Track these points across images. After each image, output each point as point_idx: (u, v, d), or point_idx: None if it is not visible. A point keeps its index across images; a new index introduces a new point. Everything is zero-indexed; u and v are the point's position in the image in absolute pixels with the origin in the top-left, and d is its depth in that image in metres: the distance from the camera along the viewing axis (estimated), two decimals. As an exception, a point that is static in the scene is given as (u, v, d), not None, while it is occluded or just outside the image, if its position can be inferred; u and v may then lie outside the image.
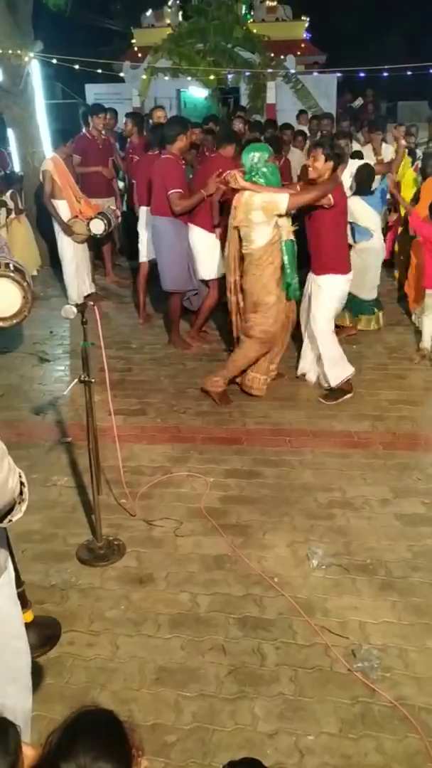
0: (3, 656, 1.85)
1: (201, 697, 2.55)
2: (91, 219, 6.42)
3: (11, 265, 2.66)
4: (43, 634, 2.76)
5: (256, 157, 4.62)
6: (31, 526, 3.51)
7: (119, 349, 5.99)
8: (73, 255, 6.96)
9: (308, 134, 9.22)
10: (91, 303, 3.04)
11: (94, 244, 7.47)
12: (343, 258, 4.92)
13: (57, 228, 6.93)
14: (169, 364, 5.71)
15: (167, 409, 4.91)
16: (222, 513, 3.65)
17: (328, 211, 4.65)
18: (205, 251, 5.92)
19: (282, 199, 4.48)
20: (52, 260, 8.53)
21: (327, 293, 4.89)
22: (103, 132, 7.95)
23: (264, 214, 4.53)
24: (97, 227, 6.29)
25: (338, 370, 4.91)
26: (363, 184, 5.93)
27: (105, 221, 6.20)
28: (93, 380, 3.16)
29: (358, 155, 7.06)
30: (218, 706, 2.52)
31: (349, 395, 4.93)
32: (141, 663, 2.71)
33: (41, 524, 3.58)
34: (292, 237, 4.73)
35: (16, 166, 8.96)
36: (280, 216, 4.57)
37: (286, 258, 4.70)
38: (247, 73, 11.89)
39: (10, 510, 1.65)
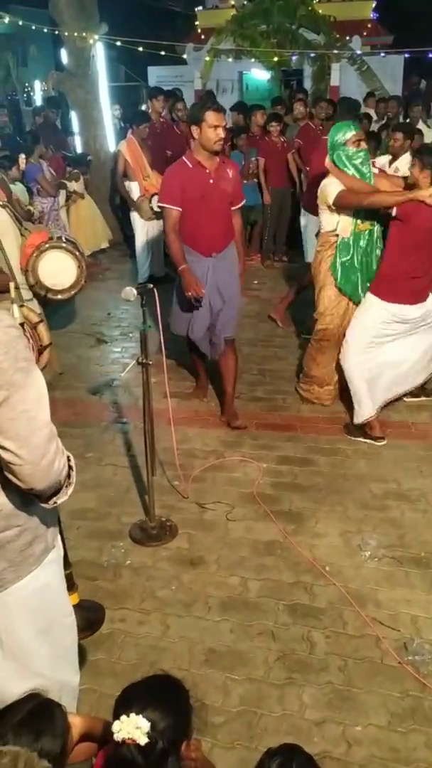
0: (52, 632, 1.88)
1: (249, 681, 2.56)
2: (153, 195, 6.50)
3: (63, 238, 2.72)
4: (87, 617, 2.79)
5: (338, 135, 4.11)
6: (86, 504, 3.57)
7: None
8: (143, 232, 7.04)
9: (374, 117, 9.02)
10: (150, 286, 3.05)
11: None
12: (396, 283, 3.95)
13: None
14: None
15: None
16: (274, 499, 3.64)
17: (397, 224, 3.90)
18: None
19: (331, 191, 4.09)
20: (113, 243, 8.65)
21: (365, 315, 4.13)
22: (163, 114, 7.97)
23: (320, 199, 4.28)
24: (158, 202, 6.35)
25: (360, 407, 4.20)
26: None
27: None
28: (150, 362, 3.18)
29: None
30: (266, 691, 2.52)
31: (370, 441, 4.17)
32: (190, 643, 2.73)
33: (96, 502, 3.64)
34: (357, 233, 4.21)
35: (79, 148, 9.07)
36: (330, 208, 4.16)
37: (340, 257, 4.25)
38: (311, 55, 11.68)
39: (57, 492, 1.67)
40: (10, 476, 1.55)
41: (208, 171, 3.95)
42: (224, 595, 2.99)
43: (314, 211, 5.46)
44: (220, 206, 4.04)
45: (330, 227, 4.27)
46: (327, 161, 4.21)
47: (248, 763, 2.23)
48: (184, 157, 4.05)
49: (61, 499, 1.69)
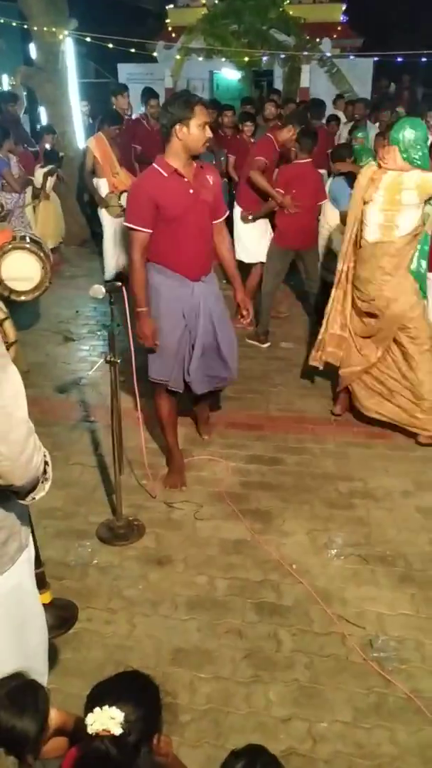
0: (24, 633, 1.86)
1: (216, 680, 2.57)
2: (122, 192, 6.50)
3: (27, 237, 2.68)
4: (60, 615, 2.78)
5: (414, 133, 3.74)
6: (53, 504, 3.54)
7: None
8: (113, 232, 7.01)
9: (343, 119, 9.10)
10: (119, 284, 3.04)
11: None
12: None
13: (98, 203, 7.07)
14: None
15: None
16: (242, 498, 3.65)
17: None
18: (251, 234, 5.94)
19: None
20: (81, 240, 8.58)
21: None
22: (128, 112, 8.00)
23: (418, 194, 3.73)
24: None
25: None
26: None
27: None
28: (118, 361, 3.17)
29: None
30: (233, 689, 2.53)
31: None
32: (157, 642, 2.73)
33: (63, 502, 3.61)
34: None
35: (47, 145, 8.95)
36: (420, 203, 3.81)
37: (425, 245, 4.06)
38: (282, 56, 11.74)
39: (33, 488, 1.66)
40: None
41: (186, 180, 3.31)
42: (191, 593, 2.99)
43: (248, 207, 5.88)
44: (204, 220, 3.44)
45: (417, 222, 3.85)
46: (401, 160, 3.78)
47: (215, 761, 2.23)
48: (155, 165, 3.33)
49: (39, 494, 1.68)
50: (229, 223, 4.37)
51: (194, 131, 3.21)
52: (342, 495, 3.69)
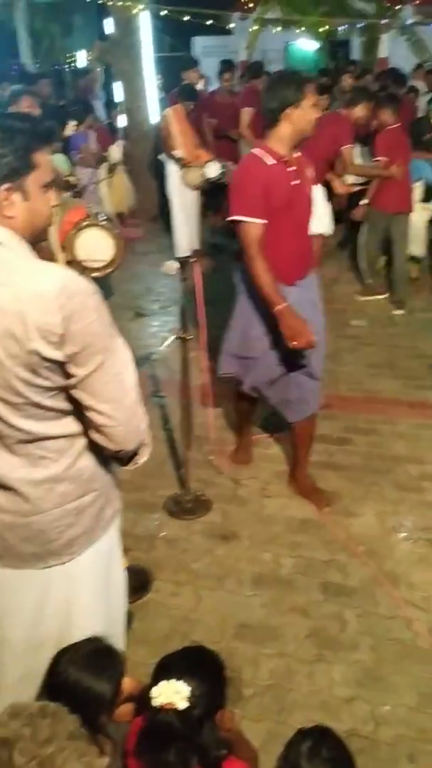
0: (110, 597, 1.91)
1: (279, 656, 2.58)
2: (207, 161, 6.46)
3: (100, 215, 2.71)
4: (137, 581, 2.85)
5: None
6: (122, 476, 3.56)
7: (215, 306, 5.99)
8: (181, 204, 6.99)
9: (422, 90, 8.77)
10: (193, 260, 3.04)
11: (212, 194, 7.47)
12: None
13: (170, 176, 7.00)
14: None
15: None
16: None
17: None
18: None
19: None
20: (154, 216, 8.62)
21: None
22: (201, 86, 7.95)
23: None
24: (212, 170, 6.32)
25: None
26: None
27: (221, 164, 6.23)
28: (190, 337, 3.18)
29: None
30: (296, 667, 2.54)
31: None
32: (222, 617, 2.76)
33: (132, 474, 3.60)
34: None
35: (123, 120, 9.01)
36: None
37: None
38: (360, 25, 11.37)
39: (135, 454, 1.71)
40: (99, 439, 1.59)
41: (291, 169, 2.96)
42: (257, 570, 3.01)
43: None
44: (305, 216, 3.10)
45: None
46: None
47: (276, 736, 2.26)
48: (257, 152, 2.96)
49: (141, 459, 1.73)
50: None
51: (308, 113, 2.92)
52: (412, 478, 3.61)
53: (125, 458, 1.70)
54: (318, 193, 6.02)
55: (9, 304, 1.40)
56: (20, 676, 1.82)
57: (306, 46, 12.97)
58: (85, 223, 2.36)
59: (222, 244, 7.92)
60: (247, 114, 7.55)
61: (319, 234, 5.89)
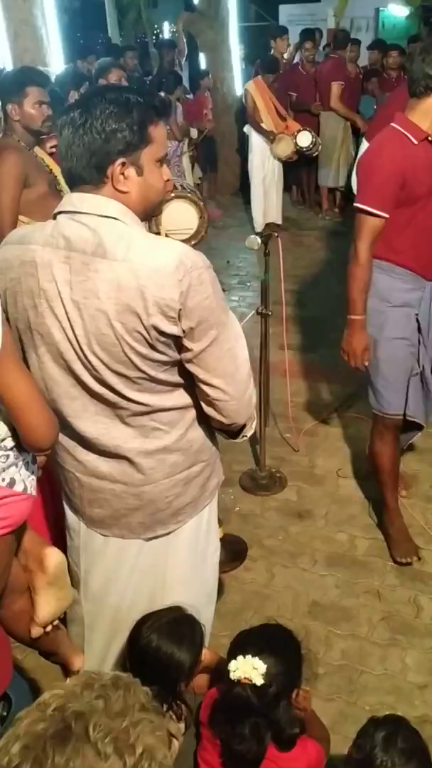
0: (204, 566, 1.94)
1: (352, 637, 2.56)
2: (299, 131, 6.37)
3: (186, 187, 2.71)
4: (233, 550, 2.89)
5: None
6: (198, 449, 3.64)
7: (294, 283, 5.92)
8: (262, 178, 6.92)
9: None
10: (276, 234, 3.00)
11: (293, 169, 7.37)
12: None
13: (251, 151, 6.92)
14: (344, 302, 5.54)
15: (338, 348, 4.79)
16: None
17: None
18: None
19: None
20: (234, 190, 8.57)
21: None
22: (286, 56, 7.74)
23: None
24: (305, 139, 6.25)
25: None
26: None
27: (313, 135, 6.14)
28: (270, 313, 3.15)
29: None
30: (368, 649, 2.52)
31: None
32: (295, 594, 2.76)
33: (208, 449, 3.70)
34: None
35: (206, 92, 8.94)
36: None
37: None
38: (458, -12, 10.83)
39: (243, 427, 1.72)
40: (212, 413, 1.62)
41: None
42: (331, 550, 2.99)
43: None
44: None
45: None
46: None
47: (346, 716, 2.26)
48: (398, 127, 2.51)
49: (249, 432, 1.75)
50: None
51: None
52: None
53: (234, 431, 1.72)
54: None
55: (128, 280, 1.41)
56: (107, 643, 1.88)
57: (397, 11, 12.44)
58: (172, 195, 2.35)
59: (301, 219, 7.84)
60: (337, 87, 7.30)
61: None
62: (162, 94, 5.92)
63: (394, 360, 2.73)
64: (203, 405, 1.62)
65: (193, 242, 2.87)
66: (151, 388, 1.54)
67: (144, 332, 1.44)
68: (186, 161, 7.36)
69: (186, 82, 9.63)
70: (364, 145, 5.91)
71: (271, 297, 3.29)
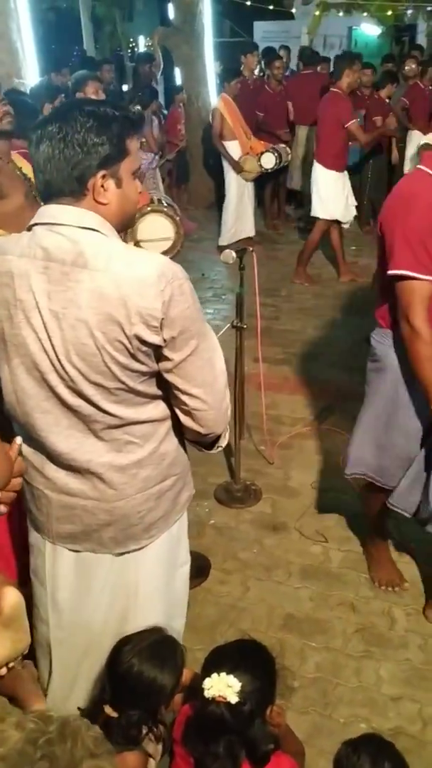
0: (174, 581, 1.93)
1: (326, 650, 2.57)
2: (262, 153, 6.43)
3: (163, 201, 2.72)
4: (197, 566, 2.86)
5: None
6: (173, 462, 3.63)
7: (268, 296, 5.96)
8: (238, 196, 6.96)
9: None
10: (251, 249, 3.02)
11: (259, 185, 7.43)
12: None
13: (225, 167, 6.96)
14: (318, 315, 5.61)
15: (313, 361, 4.85)
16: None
17: None
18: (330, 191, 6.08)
19: None
20: (208, 203, 8.62)
21: None
22: (255, 73, 7.79)
23: None
24: (268, 161, 6.31)
25: None
26: None
27: (276, 155, 6.21)
28: (245, 326, 3.17)
29: None
30: (342, 661, 2.52)
31: None
32: (269, 607, 2.76)
33: (183, 461, 3.69)
34: None
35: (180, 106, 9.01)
36: None
37: None
38: (429, 9, 11.06)
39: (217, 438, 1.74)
40: (189, 423, 1.62)
41: None
42: (305, 562, 2.99)
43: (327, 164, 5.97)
44: None
45: None
46: None
47: (321, 729, 2.26)
48: (429, 168, 2.16)
49: (224, 442, 1.76)
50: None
51: None
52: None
53: (208, 442, 1.73)
54: (319, 178, 6.25)
55: (110, 290, 1.42)
56: (77, 662, 1.85)
57: (370, 30, 12.69)
58: (148, 209, 2.36)
59: (273, 233, 7.91)
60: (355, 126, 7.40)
61: None
62: (138, 107, 5.95)
63: (404, 440, 2.46)
64: (180, 415, 1.62)
65: (168, 256, 2.88)
66: (128, 400, 1.54)
67: (125, 342, 1.44)
68: (158, 175, 7.40)
69: (161, 97, 9.70)
70: (318, 167, 6.08)
71: (246, 310, 3.31)
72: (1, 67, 4.99)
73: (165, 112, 8.46)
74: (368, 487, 2.70)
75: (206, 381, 1.57)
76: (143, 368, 1.50)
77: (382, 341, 2.46)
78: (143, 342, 1.45)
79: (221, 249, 5.72)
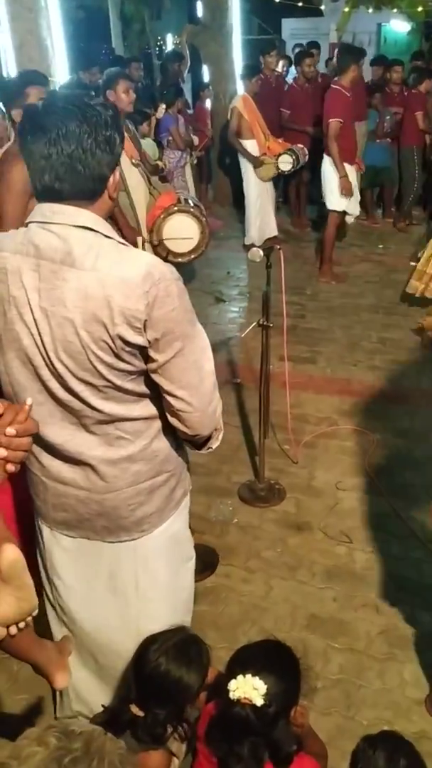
0: (178, 576, 1.94)
1: (350, 651, 2.55)
2: (280, 155, 6.39)
3: (190, 201, 2.72)
4: (203, 561, 2.87)
5: None
6: (197, 459, 3.60)
7: (294, 294, 5.92)
8: (257, 194, 6.92)
9: None
10: (278, 247, 3.01)
11: (282, 184, 7.39)
12: None
13: (243, 166, 6.91)
14: (343, 314, 5.57)
15: (338, 360, 4.82)
16: (387, 472, 3.55)
17: None
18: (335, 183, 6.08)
19: None
20: (235, 200, 8.59)
21: None
22: (277, 70, 7.75)
23: None
24: (285, 163, 6.28)
25: None
26: None
27: (293, 157, 6.18)
28: (271, 325, 3.16)
29: None
30: (366, 663, 2.51)
31: None
32: (293, 607, 2.75)
33: (207, 459, 3.67)
34: None
35: (208, 104, 8.99)
36: None
37: None
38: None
39: (209, 438, 1.74)
40: (176, 423, 1.63)
41: None
42: (329, 563, 2.98)
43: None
44: None
45: None
46: None
47: (344, 731, 2.24)
48: None
49: (214, 444, 1.76)
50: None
51: None
52: None
53: (199, 443, 1.73)
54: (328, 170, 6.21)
55: (95, 289, 1.42)
56: (95, 654, 1.87)
57: (399, 27, 12.55)
58: (175, 209, 2.36)
59: (298, 231, 7.86)
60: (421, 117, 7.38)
61: None
62: (162, 105, 5.95)
63: None
64: (168, 415, 1.63)
65: (192, 256, 2.90)
66: (117, 398, 1.55)
67: (109, 341, 1.45)
68: (189, 172, 7.39)
69: (188, 94, 9.69)
70: (326, 160, 6.04)
71: (272, 309, 3.29)
72: (31, 64, 5.01)
73: (190, 111, 8.44)
74: None
75: (191, 383, 1.56)
76: (129, 367, 1.51)
77: None
78: (126, 342, 1.45)
79: (247, 247, 5.71)
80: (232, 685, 1.45)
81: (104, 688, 1.96)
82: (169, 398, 1.57)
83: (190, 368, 1.55)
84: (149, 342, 1.47)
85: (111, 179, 1.49)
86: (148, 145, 5.76)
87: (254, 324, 3.19)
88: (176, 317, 1.49)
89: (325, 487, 3.48)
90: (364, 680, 2.44)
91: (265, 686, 1.43)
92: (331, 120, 5.89)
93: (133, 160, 3.96)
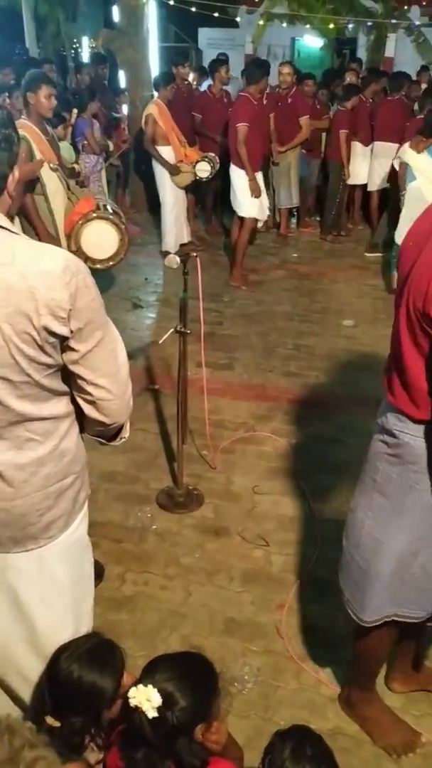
0: (81, 583, 1.90)
1: (267, 653, 2.59)
2: (197, 162, 6.44)
3: (109, 207, 2.70)
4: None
5: None
6: (115, 467, 3.61)
7: (211, 301, 5.98)
8: (174, 202, 6.94)
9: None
10: (195, 254, 3.03)
11: (196, 191, 7.44)
12: None
13: (158, 174, 6.91)
14: (259, 321, 5.67)
15: (254, 366, 4.90)
16: (302, 476, 3.63)
17: None
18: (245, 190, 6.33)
19: None
20: (150, 207, 8.58)
21: None
22: (189, 79, 8.01)
23: None
24: (203, 170, 6.34)
25: None
26: None
27: (210, 164, 6.24)
28: (188, 331, 3.18)
29: None
30: (283, 664, 2.55)
31: None
32: (211, 612, 2.77)
33: (125, 466, 3.67)
34: None
35: (125, 110, 8.96)
36: None
37: None
38: (368, 24, 11.34)
39: (119, 430, 1.77)
40: (94, 414, 1.65)
41: None
42: (247, 566, 3.01)
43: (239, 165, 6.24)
44: None
45: None
46: None
47: (262, 732, 2.27)
48: None
49: (126, 434, 1.79)
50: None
51: None
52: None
53: (111, 434, 1.76)
54: (235, 178, 6.52)
55: (17, 282, 1.42)
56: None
57: (312, 42, 12.91)
58: (94, 215, 2.34)
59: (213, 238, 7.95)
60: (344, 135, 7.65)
61: None
62: (75, 110, 5.88)
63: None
64: (84, 406, 1.64)
65: (111, 263, 2.88)
66: (32, 395, 1.54)
67: (34, 333, 1.45)
68: (104, 177, 7.32)
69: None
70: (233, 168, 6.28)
71: (189, 315, 3.31)
72: None
73: (118, 115, 8.40)
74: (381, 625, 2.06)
75: (111, 371, 1.61)
76: (50, 360, 1.52)
77: (405, 429, 1.89)
78: (51, 333, 1.47)
79: (165, 254, 5.72)
80: (132, 692, 1.44)
81: (4, 707, 1.90)
82: (89, 387, 1.59)
83: (109, 357, 1.60)
84: (71, 332, 1.49)
85: (10, 177, 1.53)
86: (65, 148, 5.67)
87: (172, 330, 3.20)
88: (96, 307, 1.54)
89: (242, 491, 3.52)
90: (281, 681, 2.48)
91: (160, 699, 1.41)
92: (238, 125, 6.09)
93: (52, 165, 3.89)
